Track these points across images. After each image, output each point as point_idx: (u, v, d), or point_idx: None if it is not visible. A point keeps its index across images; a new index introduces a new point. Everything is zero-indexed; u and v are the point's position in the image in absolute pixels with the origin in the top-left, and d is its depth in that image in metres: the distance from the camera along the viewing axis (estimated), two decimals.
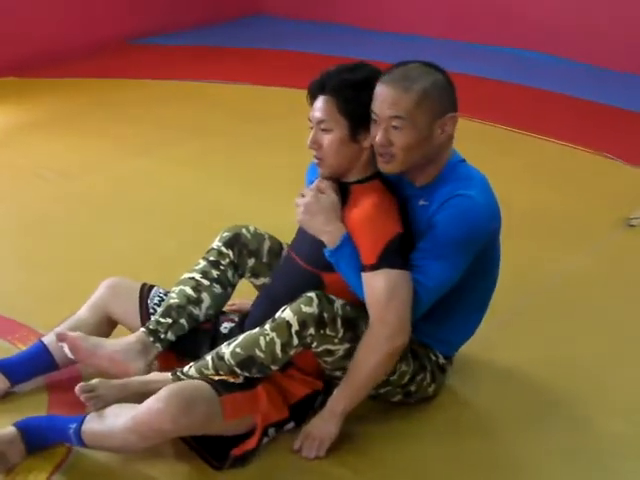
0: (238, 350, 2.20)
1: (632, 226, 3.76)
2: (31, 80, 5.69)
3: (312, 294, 2.18)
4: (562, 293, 3.19)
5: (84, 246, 3.44)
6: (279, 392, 2.27)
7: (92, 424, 2.13)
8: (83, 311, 2.53)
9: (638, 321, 3.04)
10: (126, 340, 2.37)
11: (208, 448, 2.19)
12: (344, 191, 2.30)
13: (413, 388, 2.40)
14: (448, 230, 2.20)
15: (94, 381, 2.20)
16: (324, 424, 2.27)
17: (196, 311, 2.44)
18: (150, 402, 2.08)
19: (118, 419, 2.10)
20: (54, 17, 6.18)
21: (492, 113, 5.14)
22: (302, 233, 2.38)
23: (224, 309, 2.58)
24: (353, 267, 2.22)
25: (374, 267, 2.17)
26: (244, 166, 4.34)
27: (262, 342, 2.18)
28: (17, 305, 2.95)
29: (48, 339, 2.47)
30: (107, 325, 2.53)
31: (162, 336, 2.38)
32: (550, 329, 2.94)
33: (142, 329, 2.39)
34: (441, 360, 2.44)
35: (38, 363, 2.45)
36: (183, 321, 2.41)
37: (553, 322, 2.99)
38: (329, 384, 2.35)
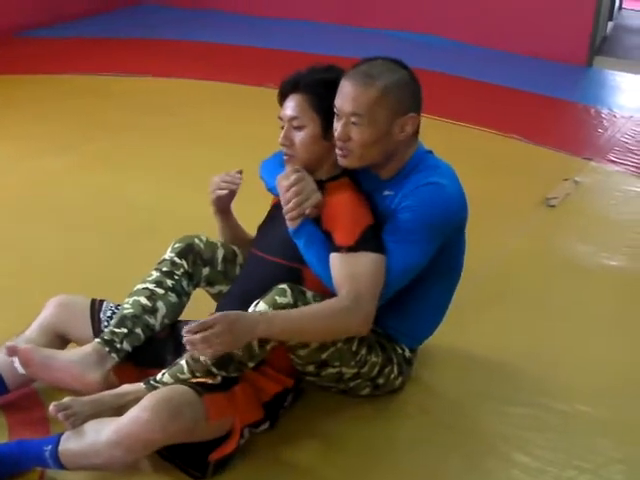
0: None
1: (552, 206, 3.87)
2: None
3: (284, 285, 2.16)
4: (499, 278, 3.24)
5: (8, 253, 3.27)
6: (253, 391, 2.23)
7: (70, 443, 2.02)
8: (32, 331, 2.39)
9: (578, 300, 3.13)
10: (81, 351, 2.26)
11: (183, 458, 2.12)
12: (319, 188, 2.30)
13: (381, 381, 2.40)
14: (417, 215, 2.20)
15: (66, 399, 2.08)
16: (249, 331, 2.03)
17: (152, 320, 2.35)
18: (135, 413, 1.99)
19: (100, 435, 2.00)
20: None
21: None
22: (272, 232, 2.36)
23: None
24: (319, 245, 2.21)
25: (351, 249, 2.18)
26: (158, 160, 4.26)
27: None
28: None
29: None
30: (58, 345, 2.40)
31: (118, 346, 2.28)
32: (498, 314, 2.98)
33: (97, 339, 2.29)
34: (407, 353, 2.45)
35: None
36: (139, 331, 2.32)
37: (499, 307, 3.03)
38: (298, 382, 2.33)
